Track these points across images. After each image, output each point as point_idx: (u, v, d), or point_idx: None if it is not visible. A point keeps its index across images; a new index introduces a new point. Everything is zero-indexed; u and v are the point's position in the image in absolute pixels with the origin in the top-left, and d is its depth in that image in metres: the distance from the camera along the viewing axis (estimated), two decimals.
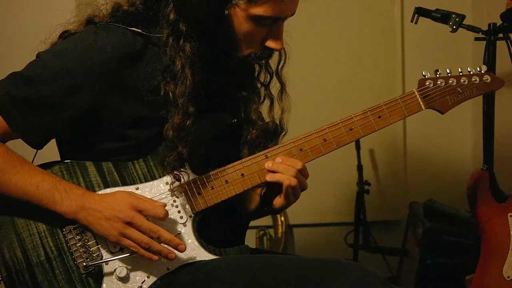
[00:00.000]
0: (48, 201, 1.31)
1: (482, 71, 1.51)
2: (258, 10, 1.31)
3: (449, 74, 1.49)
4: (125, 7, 1.40)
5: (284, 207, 1.46)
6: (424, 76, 1.48)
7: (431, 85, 1.47)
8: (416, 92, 1.46)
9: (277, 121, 1.48)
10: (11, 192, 1.32)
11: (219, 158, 1.42)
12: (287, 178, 1.38)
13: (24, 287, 1.32)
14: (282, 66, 1.47)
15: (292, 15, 1.37)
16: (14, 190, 1.31)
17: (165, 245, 1.34)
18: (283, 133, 1.49)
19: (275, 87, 1.50)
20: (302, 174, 1.41)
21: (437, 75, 1.49)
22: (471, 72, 1.51)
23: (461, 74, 1.50)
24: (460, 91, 1.49)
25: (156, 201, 1.37)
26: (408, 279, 2.50)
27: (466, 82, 1.49)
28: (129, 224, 1.30)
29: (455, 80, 1.49)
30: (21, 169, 1.32)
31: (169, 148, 1.35)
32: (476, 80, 1.50)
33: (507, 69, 1.90)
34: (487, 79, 1.51)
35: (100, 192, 1.37)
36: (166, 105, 1.34)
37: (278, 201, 1.44)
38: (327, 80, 2.88)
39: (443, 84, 1.48)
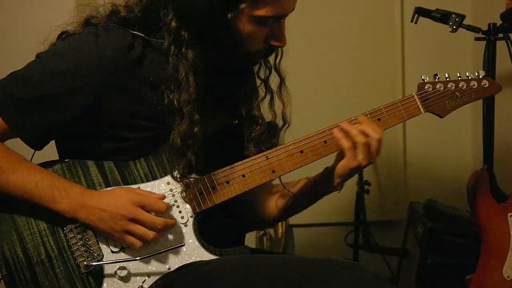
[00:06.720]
0: (48, 199, 1.31)
1: (480, 76, 1.52)
2: (260, 12, 1.30)
3: (447, 79, 1.50)
4: (122, 13, 1.38)
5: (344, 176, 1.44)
6: (423, 80, 1.49)
7: (430, 89, 1.48)
8: (415, 96, 1.47)
9: (280, 115, 1.48)
10: (11, 191, 1.32)
11: (223, 159, 1.42)
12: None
13: (25, 286, 1.33)
14: (280, 60, 1.47)
15: (292, 10, 1.37)
16: (14, 188, 1.31)
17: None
18: (287, 126, 1.48)
19: (273, 82, 1.49)
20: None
21: (436, 79, 1.49)
22: (470, 77, 1.52)
23: (459, 78, 1.51)
24: (459, 96, 1.50)
25: (154, 193, 1.37)
26: (408, 279, 2.49)
27: (464, 87, 1.50)
28: (133, 220, 1.31)
29: (453, 85, 1.50)
30: (20, 168, 1.32)
31: (177, 156, 1.34)
32: (474, 84, 1.51)
33: (507, 69, 1.90)
34: (485, 84, 1.52)
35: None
36: (169, 112, 1.33)
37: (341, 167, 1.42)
38: (327, 79, 2.88)
39: (441, 88, 1.49)
